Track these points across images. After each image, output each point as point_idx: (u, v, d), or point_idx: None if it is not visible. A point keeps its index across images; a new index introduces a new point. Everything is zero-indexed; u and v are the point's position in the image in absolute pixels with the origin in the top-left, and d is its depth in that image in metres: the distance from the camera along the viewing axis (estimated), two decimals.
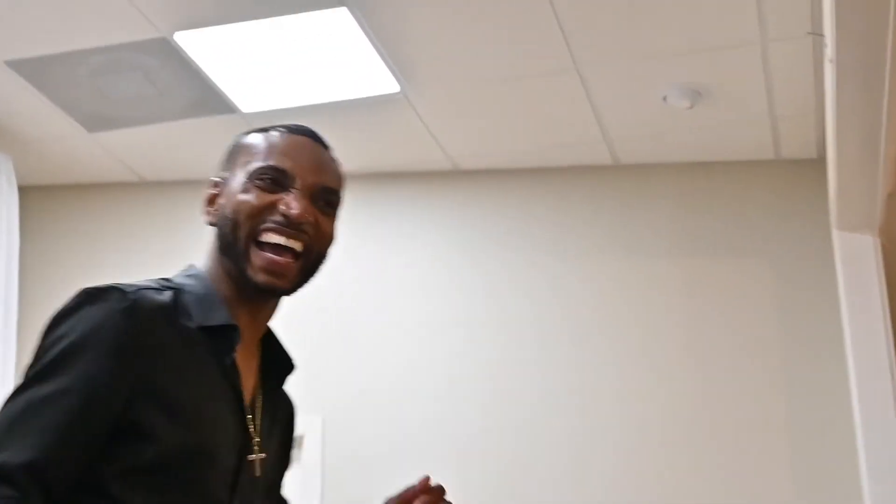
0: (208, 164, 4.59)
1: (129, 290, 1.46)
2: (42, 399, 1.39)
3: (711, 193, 4.63)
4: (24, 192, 4.77)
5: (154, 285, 1.51)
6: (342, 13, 3.53)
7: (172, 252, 4.51)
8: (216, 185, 1.60)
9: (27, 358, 1.60)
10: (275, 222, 1.53)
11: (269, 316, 1.61)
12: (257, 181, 1.54)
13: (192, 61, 3.90)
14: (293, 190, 1.54)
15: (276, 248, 1.52)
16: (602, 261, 4.67)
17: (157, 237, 4.96)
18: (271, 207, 1.53)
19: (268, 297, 1.57)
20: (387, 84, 4.02)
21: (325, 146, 1.63)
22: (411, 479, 1.80)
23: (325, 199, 1.57)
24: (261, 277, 1.51)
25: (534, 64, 3.91)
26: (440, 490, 1.62)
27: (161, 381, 1.44)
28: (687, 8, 3.53)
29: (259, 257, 1.52)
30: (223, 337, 1.52)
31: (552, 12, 3.52)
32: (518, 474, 4.41)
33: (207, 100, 4.21)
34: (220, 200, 1.58)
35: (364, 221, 4.82)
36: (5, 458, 1.35)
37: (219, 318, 1.52)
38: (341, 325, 4.76)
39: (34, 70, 4.00)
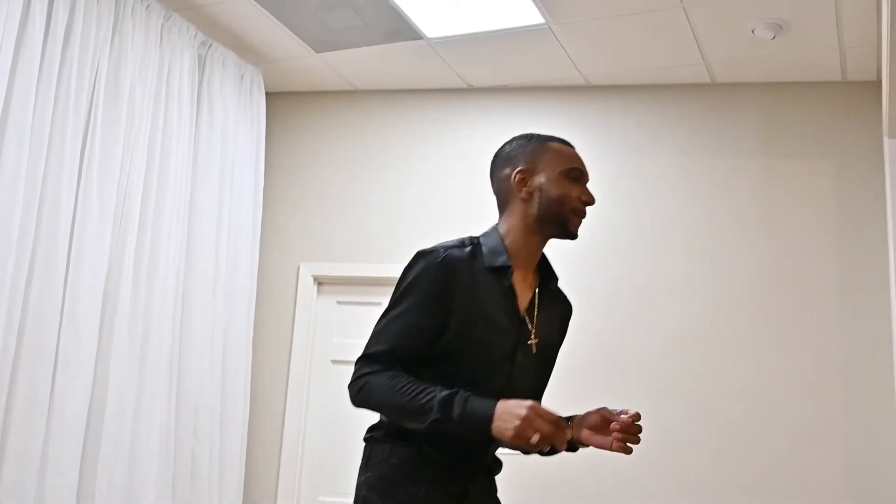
0: (401, 77, 5.21)
1: (441, 250, 1.93)
2: (395, 315, 1.92)
3: (789, 107, 4.74)
4: (270, 97, 5.25)
5: (458, 244, 1.98)
6: None
7: (374, 141, 5.06)
8: (523, 171, 2.02)
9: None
10: (581, 205, 2.02)
11: (540, 252, 2.08)
12: (568, 177, 2.01)
13: None
14: (585, 184, 2.04)
15: (581, 215, 2.03)
16: (699, 158, 4.77)
17: (365, 130, 5.27)
18: (578, 195, 2.01)
19: (559, 238, 2.02)
20: (535, 18, 4.27)
21: None
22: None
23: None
24: (576, 231, 2.02)
25: (648, 1, 4.06)
26: (638, 429, 1.88)
27: (461, 303, 1.92)
28: None
29: (577, 217, 2.02)
30: (504, 271, 1.98)
31: None
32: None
33: (401, 29, 4.46)
34: (533, 184, 2.01)
35: (511, 129, 4.26)
36: (375, 349, 1.90)
37: (500, 261, 1.98)
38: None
39: (276, 4, 4.26)
